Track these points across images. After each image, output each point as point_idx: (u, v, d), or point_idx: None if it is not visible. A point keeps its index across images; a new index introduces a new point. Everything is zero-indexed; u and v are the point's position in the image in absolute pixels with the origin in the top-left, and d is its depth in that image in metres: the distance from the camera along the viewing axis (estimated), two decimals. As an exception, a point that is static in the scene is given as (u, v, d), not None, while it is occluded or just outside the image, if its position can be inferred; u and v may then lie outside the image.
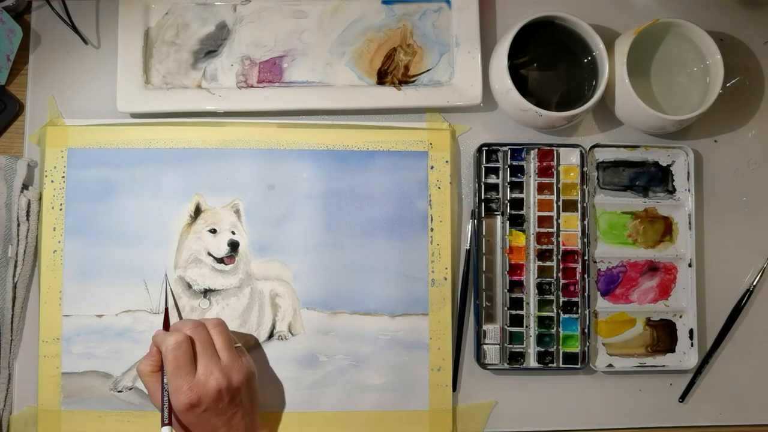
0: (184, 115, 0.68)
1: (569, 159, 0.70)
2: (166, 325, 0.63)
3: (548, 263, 0.69)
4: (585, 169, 0.69)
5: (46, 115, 0.68)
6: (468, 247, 0.68)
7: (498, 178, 0.69)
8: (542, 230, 0.69)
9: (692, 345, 0.69)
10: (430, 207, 0.69)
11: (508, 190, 0.69)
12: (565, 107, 0.66)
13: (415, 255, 0.68)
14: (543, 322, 0.68)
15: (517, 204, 0.69)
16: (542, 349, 0.68)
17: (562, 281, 0.69)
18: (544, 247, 0.69)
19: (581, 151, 0.69)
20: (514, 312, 0.68)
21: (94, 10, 0.70)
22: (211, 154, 0.68)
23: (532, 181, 0.69)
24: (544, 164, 0.69)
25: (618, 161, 0.71)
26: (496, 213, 0.69)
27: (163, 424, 0.57)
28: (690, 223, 0.70)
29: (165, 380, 0.58)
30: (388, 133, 0.69)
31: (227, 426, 0.57)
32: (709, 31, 0.67)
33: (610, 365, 0.69)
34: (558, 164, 0.69)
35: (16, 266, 0.66)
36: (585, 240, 0.69)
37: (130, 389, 0.66)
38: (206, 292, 0.67)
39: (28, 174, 0.67)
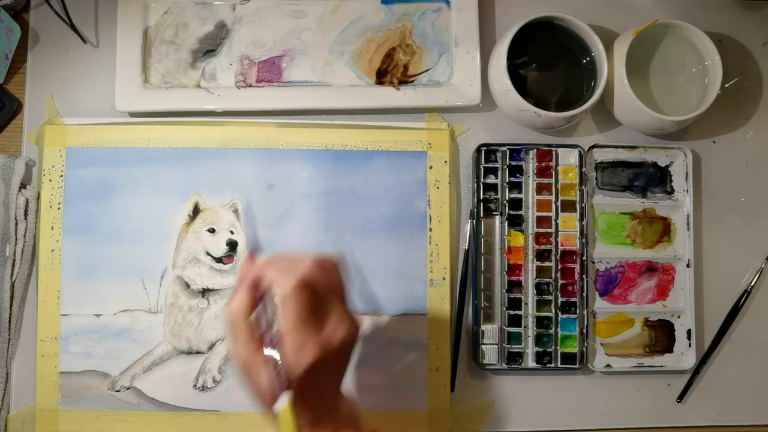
0: (182, 114, 0.68)
1: (568, 159, 0.70)
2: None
3: (547, 263, 0.69)
4: (584, 169, 0.69)
5: (44, 114, 0.68)
6: (467, 247, 0.68)
7: (497, 178, 0.69)
8: (541, 230, 0.69)
9: (690, 345, 0.69)
10: (429, 207, 0.68)
11: (507, 190, 0.69)
12: (564, 107, 0.66)
13: (414, 255, 0.68)
14: (541, 322, 0.68)
15: (516, 204, 0.69)
16: (540, 350, 0.68)
17: (560, 281, 0.69)
18: (543, 247, 0.69)
19: (580, 151, 0.69)
20: (512, 312, 0.68)
21: (93, 8, 0.70)
22: (209, 154, 0.68)
23: (530, 182, 0.69)
24: (543, 164, 0.69)
25: (617, 162, 0.71)
26: (494, 213, 0.69)
27: (282, 390, 0.46)
28: (688, 223, 0.70)
29: (274, 329, 0.48)
30: (387, 133, 0.69)
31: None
32: (708, 32, 0.67)
33: (608, 365, 0.69)
34: (557, 164, 0.69)
35: (14, 265, 0.66)
36: (583, 240, 0.69)
37: (128, 389, 0.66)
38: (204, 292, 0.67)
39: (26, 173, 0.67)
